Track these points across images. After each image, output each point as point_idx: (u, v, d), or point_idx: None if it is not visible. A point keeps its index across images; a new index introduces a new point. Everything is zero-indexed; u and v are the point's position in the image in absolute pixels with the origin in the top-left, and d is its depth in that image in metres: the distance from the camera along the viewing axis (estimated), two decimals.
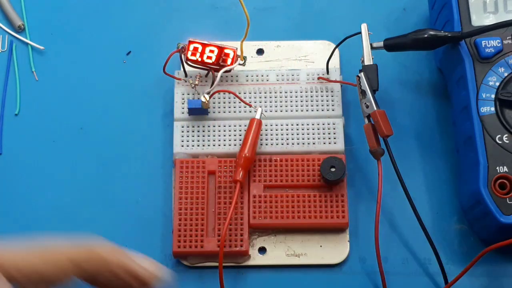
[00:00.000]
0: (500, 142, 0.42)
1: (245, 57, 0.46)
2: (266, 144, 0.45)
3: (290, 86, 0.47)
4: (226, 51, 0.45)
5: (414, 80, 0.49)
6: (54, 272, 0.27)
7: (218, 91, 0.46)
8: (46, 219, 0.45)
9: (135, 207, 0.46)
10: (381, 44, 0.45)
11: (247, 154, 0.43)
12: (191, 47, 0.45)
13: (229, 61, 0.45)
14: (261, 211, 0.44)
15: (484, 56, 0.44)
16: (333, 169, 0.44)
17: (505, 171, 0.41)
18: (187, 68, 0.46)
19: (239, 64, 0.46)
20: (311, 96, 0.46)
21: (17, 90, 0.49)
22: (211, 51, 0.45)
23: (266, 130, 0.46)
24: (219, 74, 0.45)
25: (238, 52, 0.45)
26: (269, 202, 0.44)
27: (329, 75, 0.47)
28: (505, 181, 0.41)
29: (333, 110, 0.46)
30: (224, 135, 0.45)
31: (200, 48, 0.45)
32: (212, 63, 0.45)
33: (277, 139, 0.45)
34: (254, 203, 0.44)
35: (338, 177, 0.43)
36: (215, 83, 0.44)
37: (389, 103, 0.48)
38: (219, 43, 0.45)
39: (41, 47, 0.50)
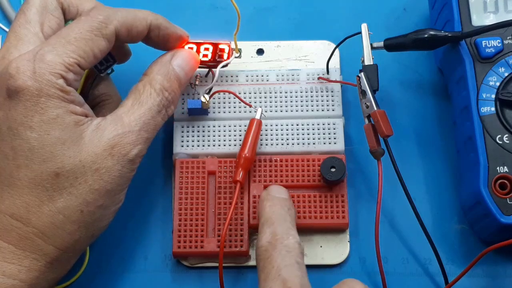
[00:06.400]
0: (500, 142, 0.42)
1: (240, 49, 0.46)
2: (266, 144, 0.45)
3: (290, 86, 0.47)
4: (220, 46, 0.45)
5: (414, 80, 0.49)
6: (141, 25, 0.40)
7: (218, 91, 0.46)
8: None
9: (135, 207, 0.45)
10: (381, 44, 0.45)
11: (247, 155, 0.43)
12: (186, 48, 0.45)
13: (225, 56, 0.45)
14: None
15: (485, 56, 0.44)
16: (333, 169, 0.44)
17: (505, 171, 0.41)
18: None
19: (235, 57, 0.45)
20: (311, 96, 0.46)
21: None
22: (206, 49, 0.45)
23: (266, 130, 0.46)
24: (218, 69, 0.45)
25: (233, 46, 0.45)
26: None
27: (329, 75, 0.47)
28: (505, 181, 0.41)
29: (333, 110, 0.46)
30: (224, 135, 0.45)
31: (195, 48, 0.45)
32: (209, 61, 0.45)
33: (277, 139, 0.45)
34: (254, 203, 0.44)
35: (338, 177, 0.43)
36: (215, 79, 0.44)
37: (389, 103, 0.48)
38: (213, 40, 0.45)
39: None
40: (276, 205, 0.40)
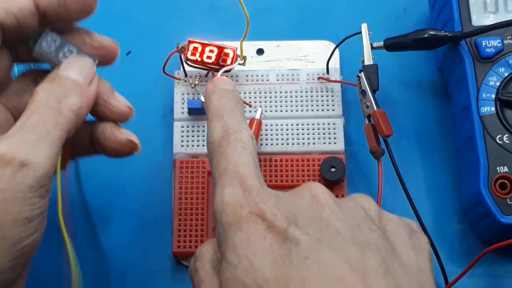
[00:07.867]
0: (500, 142, 0.42)
1: (245, 56, 0.46)
2: (266, 144, 0.45)
3: (290, 86, 0.47)
4: (225, 50, 0.45)
5: (414, 80, 0.49)
6: None
7: None
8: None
9: (135, 207, 0.45)
10: (381, 44, 0.45)
11: None
12: (191, 47, 0.45)
13: (229, 61, 0.45)
14: None
15: (485, 56, 0.44)
16: (333, 169, 0.44)
17: (506, 171, 0.41)
18: (187, 68, 0.46)
19: (239, 64, 0.46)
20: (311, 96, 0.46)
21: None
22: (211, 51, 0.45)
23: (266, 130, 0.46)
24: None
25: (238, 52, 0.45)
26: None
27: (329, 75, 0.47)
28: (505, 181, 0.41)
29: (333, 110, 0.46)
30: None
31: (199, 48, 0.45)
32: (212, 63, 0.45)
33: (277, 139, 0.45)
34: None
35: (338, 177, 0.43)
36: None
37: (389, 103, 0.48)
38: (218, 43, 0.45)
39: None
40: (224, 98, 0.36)
